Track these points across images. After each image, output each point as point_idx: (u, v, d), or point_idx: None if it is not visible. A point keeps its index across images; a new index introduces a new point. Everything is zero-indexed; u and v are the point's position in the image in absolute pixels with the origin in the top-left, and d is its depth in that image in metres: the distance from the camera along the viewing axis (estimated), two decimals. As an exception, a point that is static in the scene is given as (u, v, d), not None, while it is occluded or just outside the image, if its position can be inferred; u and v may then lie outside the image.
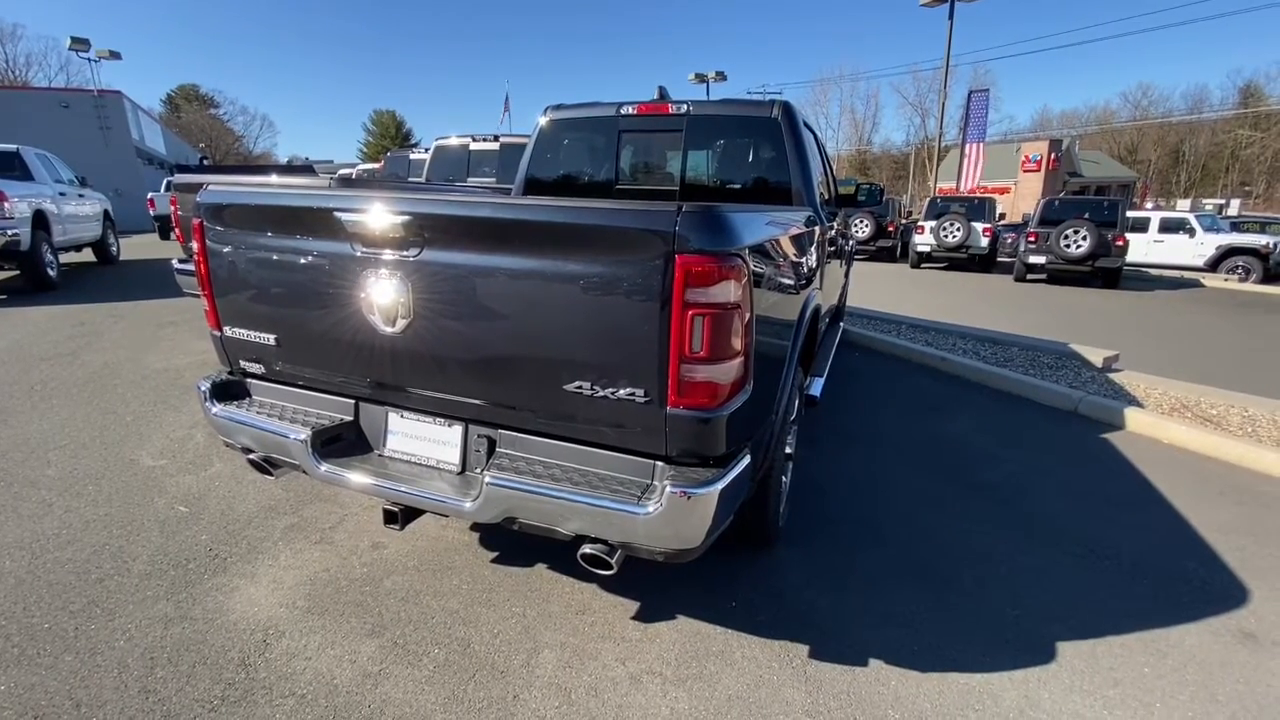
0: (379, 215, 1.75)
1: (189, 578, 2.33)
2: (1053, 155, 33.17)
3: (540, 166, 3.94)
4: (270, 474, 2.18)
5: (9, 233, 7.45)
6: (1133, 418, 4.21)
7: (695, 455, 1.68)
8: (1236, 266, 14.18)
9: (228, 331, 2.19)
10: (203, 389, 2.21)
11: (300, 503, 2.89)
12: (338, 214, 1.81)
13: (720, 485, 1.62)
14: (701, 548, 1.68)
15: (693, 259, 1.49)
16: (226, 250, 2.09)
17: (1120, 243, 11.78)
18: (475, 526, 2.71)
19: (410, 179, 10.29)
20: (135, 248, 14.29)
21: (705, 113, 3.56)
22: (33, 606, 2.14)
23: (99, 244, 11.04)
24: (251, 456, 2.14)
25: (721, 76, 28.38)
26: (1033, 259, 12.53)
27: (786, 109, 3.36)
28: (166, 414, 3.95)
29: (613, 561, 1.69)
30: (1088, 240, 11.74)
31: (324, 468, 1.94)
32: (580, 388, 1.66)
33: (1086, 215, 12.16)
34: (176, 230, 5.74)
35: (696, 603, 2.27)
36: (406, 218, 1.71)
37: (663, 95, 3.62)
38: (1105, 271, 12.03)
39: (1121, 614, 2.28)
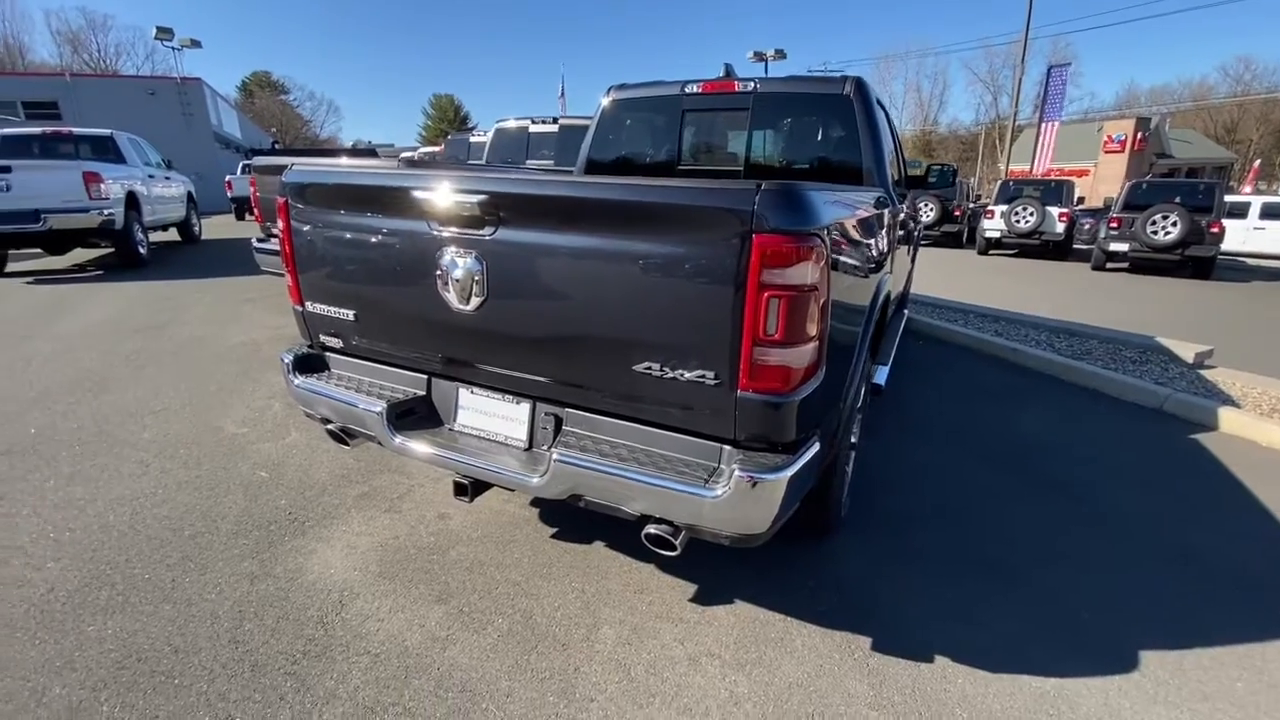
0: (456, 195, 1.77)
1: (271, 539, 2.47)
2: (1139, 134, 30.88)
3: (602, 147, 3.92)
4: (346, 444, 2.28)
5: (105, 212, 8.00)
6: (1227, 418, 3.92)
7: (764, 440, 1.65)
8: (1349, 256, 12.97)
9: (309, 307, 2.28)
10: (286, 362, 2.32)
11: (370, 473, 3.02)
12: (416, 193, 1.85)
13: (789, 472, 1.60)
14: (768, 533, 1.66)
15: (770, 239, 1.46)
16: (309, 228, 2.17)
17: (1215, 229, 10.92)
18: (535, 502, 2.77)
19: (470, 161, 10.47)
20: (214, 228, 15.11)
21: (774, 90, 3.46)
22: (134, 559, 2.32)
23: (183, 224, 11.73)
24: (330, 427, 2.23)
25: (781, 54, 27.51)
26: (1114, 246, 11.75)
27: (859, 85, 3.24)
28: (247, 384, 4.18)
29: (677, 543, 1.69)
30: (1179, 226, 10.92)
31: (398, 440, 2.01)
32: (650, 368, 1.66)
33: (1178, 199, 11.31)
34: (256, 210, 6.03)
35: (754, 588, 2.26)
36: (483, 197, 1.73)
37: (729, 73, 3.55)
38: (1197, 260, 11.18)
39: (1210, 624, 2.14)
